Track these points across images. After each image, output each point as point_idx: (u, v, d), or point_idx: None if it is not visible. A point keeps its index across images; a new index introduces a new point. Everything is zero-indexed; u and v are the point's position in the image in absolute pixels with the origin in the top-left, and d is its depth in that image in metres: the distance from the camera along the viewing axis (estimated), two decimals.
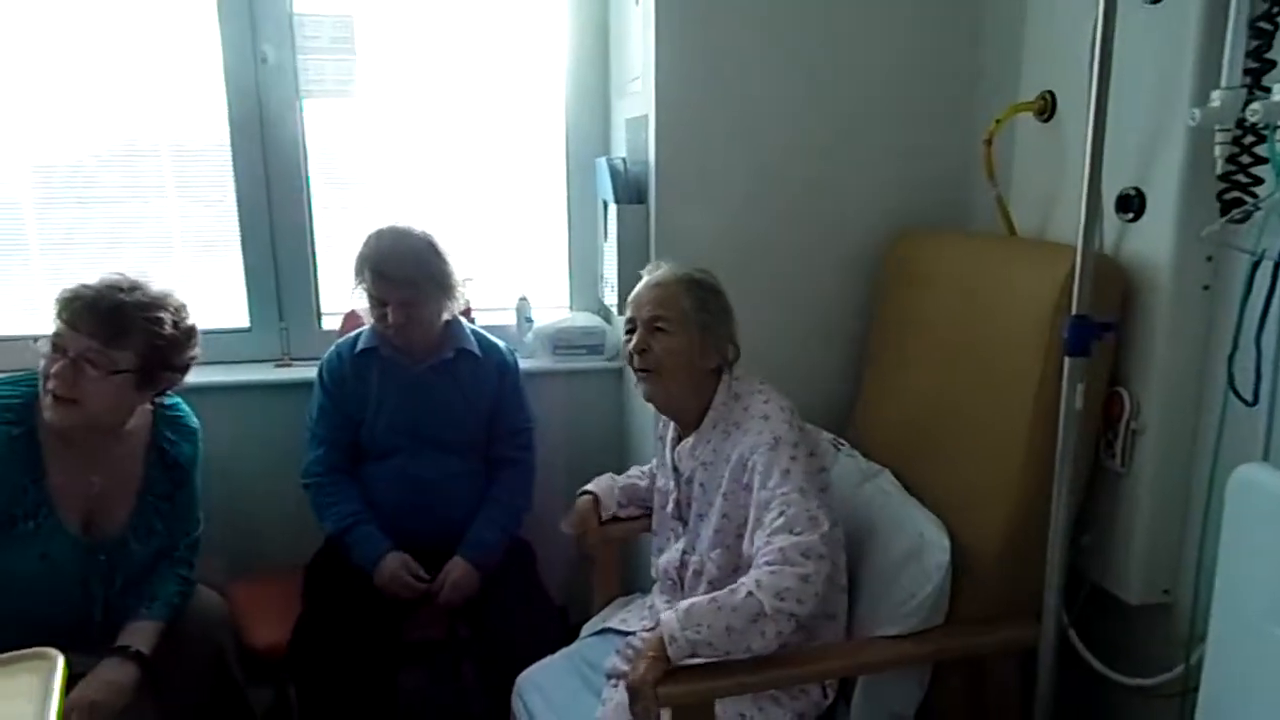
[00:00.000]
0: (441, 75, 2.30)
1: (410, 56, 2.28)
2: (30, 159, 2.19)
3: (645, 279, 1.58)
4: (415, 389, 1.95)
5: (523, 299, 2.38)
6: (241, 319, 2.32)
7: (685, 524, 1.60)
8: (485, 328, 2.14)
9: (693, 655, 1.31)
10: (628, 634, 1.64)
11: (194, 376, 2.17)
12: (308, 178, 2.27)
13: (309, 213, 2.29)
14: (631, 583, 1.95)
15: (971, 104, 1.90)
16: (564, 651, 1.70)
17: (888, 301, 1.90)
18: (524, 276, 2.44)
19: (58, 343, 1.51)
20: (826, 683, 1.50)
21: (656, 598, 1.67)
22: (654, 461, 1.76)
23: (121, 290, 1.55)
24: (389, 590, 1.84)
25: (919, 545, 1.47)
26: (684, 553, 1.59)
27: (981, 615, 1.47)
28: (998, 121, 1.70)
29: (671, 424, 1.63)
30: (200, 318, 2.29)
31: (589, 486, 1.81)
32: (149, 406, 1.66)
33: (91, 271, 1.69)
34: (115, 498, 1.60)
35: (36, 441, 1.53)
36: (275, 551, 2.10)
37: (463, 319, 2.05)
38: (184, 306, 1.64)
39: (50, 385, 1.50)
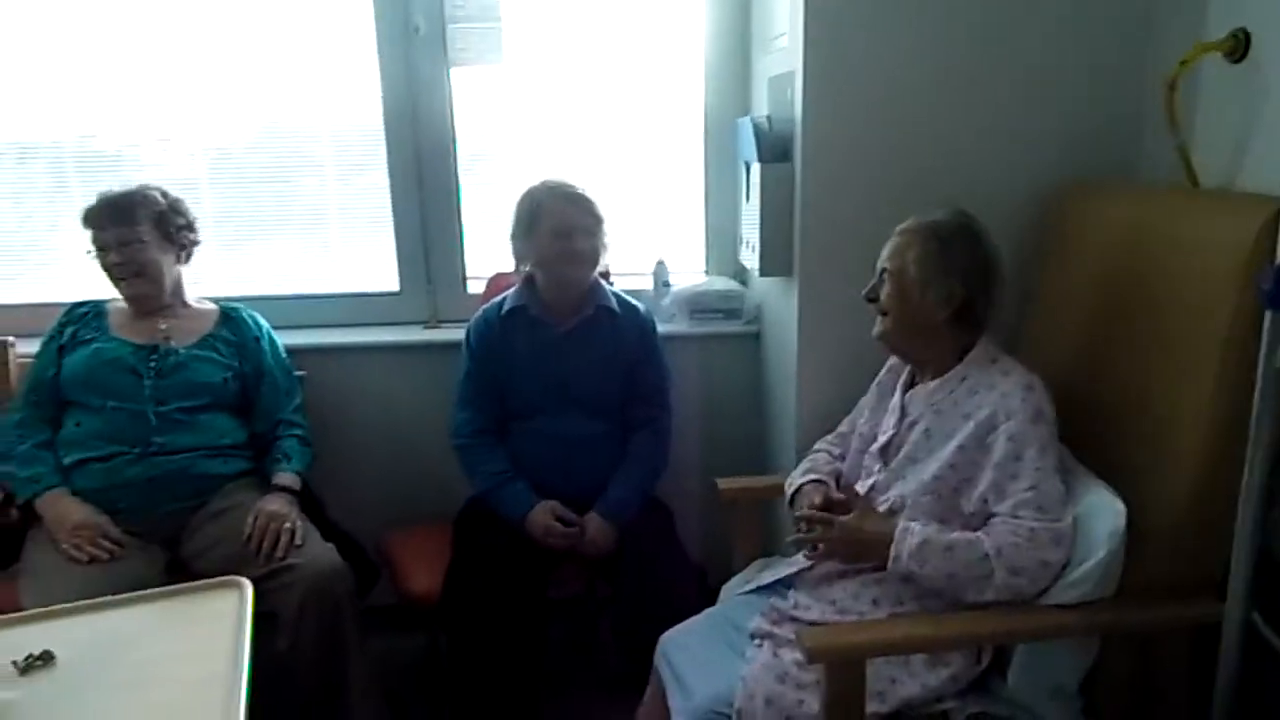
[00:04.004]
0: (580, 39, 2.32)
1: (551, 22, 2.31)
2: (202, 141, 2.35)
3: (894, 229, 1.59)
4: (559, 347, 1.99)
5: (660, 263, 2.39)
6: (392, 283, 2.42)
7: (887, 465, 1.59)
8: (624, 291, 2.16)
9: (907, 577, 1.43)
10: (771, 587, 1.65)
11: (346, 337, 2.33)
12: (455, 144, 2.34)
13: (456, 179, 2.37)
14: (771, 544, 1.94)
15: (1146, 46, 1.78)
16: (707, 612, 1.71)
17: (1050, 259, 1.80)
18: (661, 240, 2.45)
19: (100, 245, 1.94)
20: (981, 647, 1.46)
21: None
22: (850, 416, 1.78)
23: (116, 193, 1.96)
24: (545, 542, 1.90)
25: (1088, 511, 1.40)
26: (871, 488, 1.58)
27: (1153, 590, 1.39)
28: (1182, 63, 1.57)
29: (906, 369, 1.64)
30: (353, 282, 2.44)
31: (802, 480, 1.71)
32: (216, 307, 2.09)
33: (257, 242, 2.18)
34: (182, 338, 1.99)
35: (102, 311, 2.02)
36: (426, 503, 2.19)
37: (603, 281, 2.08)
38: (164, 189, 2.03)
39: (116, 270, 1.94)
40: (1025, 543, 1.37)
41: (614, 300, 2.04)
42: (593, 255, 1.97)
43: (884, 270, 1.55)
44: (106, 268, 1.95)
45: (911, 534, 1.42)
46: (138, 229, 1.93)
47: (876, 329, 1.58)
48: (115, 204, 1.93)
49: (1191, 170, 1.62)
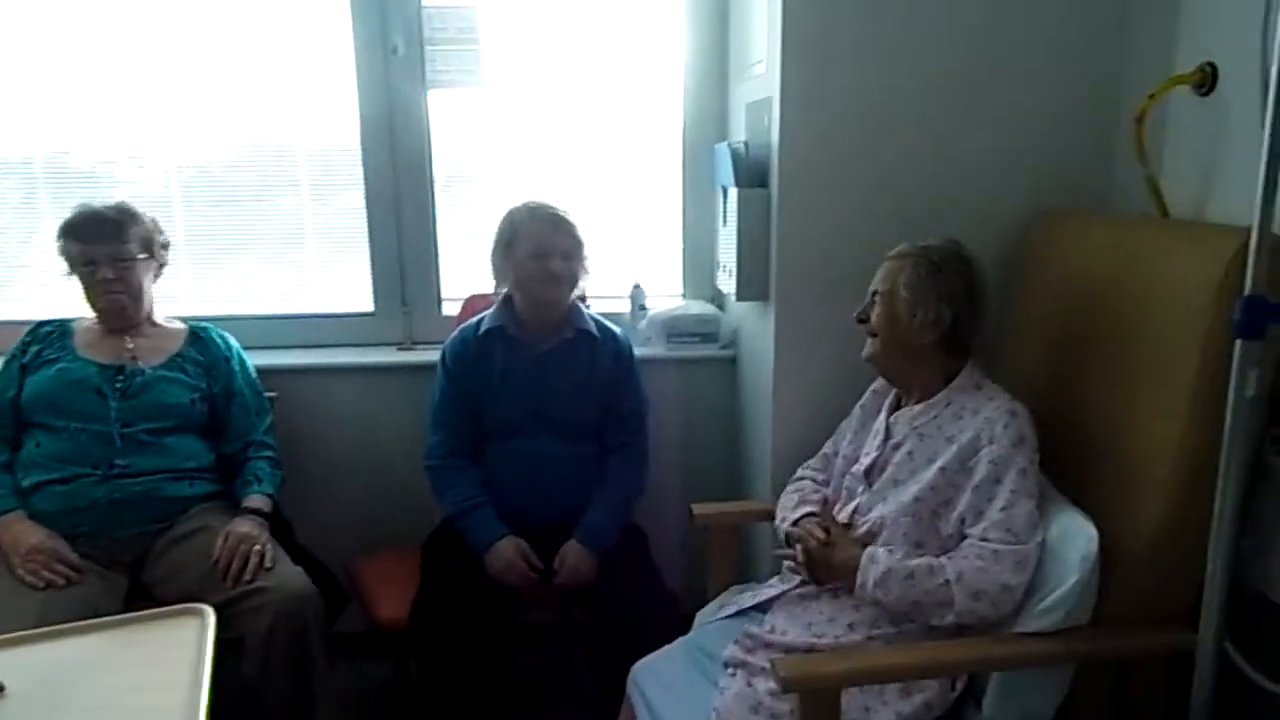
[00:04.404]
0: (558, 63, 2.33)
1: (529, 45, 2.31)
2: (176, 160, 2.32)
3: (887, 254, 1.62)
4: (535, 368, 1.97)
5: (637, 287, 2.38)
6: (366, 304, 2.40)
7: (870, 486, 1.59)
8: (600, 315, 2.15)
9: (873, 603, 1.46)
10: (745, 612, 1.64)
11: (319, 358, 2.31)
12: (432, 167, 2.33)
13: (432, 200, 2.35)
14: (746, 570, 1.93)
15: (1117, 79, 1.81)
16: (680, 641, 1.69)
17: (1023, 287, 1.82)
18: (638, 264, 2.45)
19: (87, 260, 1.90)
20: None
21: None
22: (833, 439, 1.79)
23: (103, 208, 1.95)
24: (502, 578, 1.87)
25: (1060, 535, 1.40)
26: (854, 512, 1.59)
27: (1126, 618, 1.39)
28: (1151, 97, 1.60)
29: (891, 392, 1.66)
30: (327, 302, 2.41)
31: (797, 514, 1.69)
32: (185, 326, 2.06)
33: (229, 262, 2.19)
34: (149, 358, 1.96)
35: (67, 331, 1.98)
36: (398, 528, 2.16)
37: (580, 305, 2.07)
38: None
39: (105, 285, 1.90)
40: (988, 565, 1.38)
41: (592, 324, 2.03)
42: (570, 278, 1.97)
43: (875, 293, 1.58)
44: (93, 282, 1.92)
45: (876, 562, 1.45)
46: (129, 246, 1.92)
47: (866, 350, 1.60)
48: (107, 219, 1.91)
49: (1161, 201, 1.64)
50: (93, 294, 1.94)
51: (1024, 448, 1.45)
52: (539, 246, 1.92)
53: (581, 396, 2.00)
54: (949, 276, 1.53)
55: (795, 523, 1.67)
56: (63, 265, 1.93)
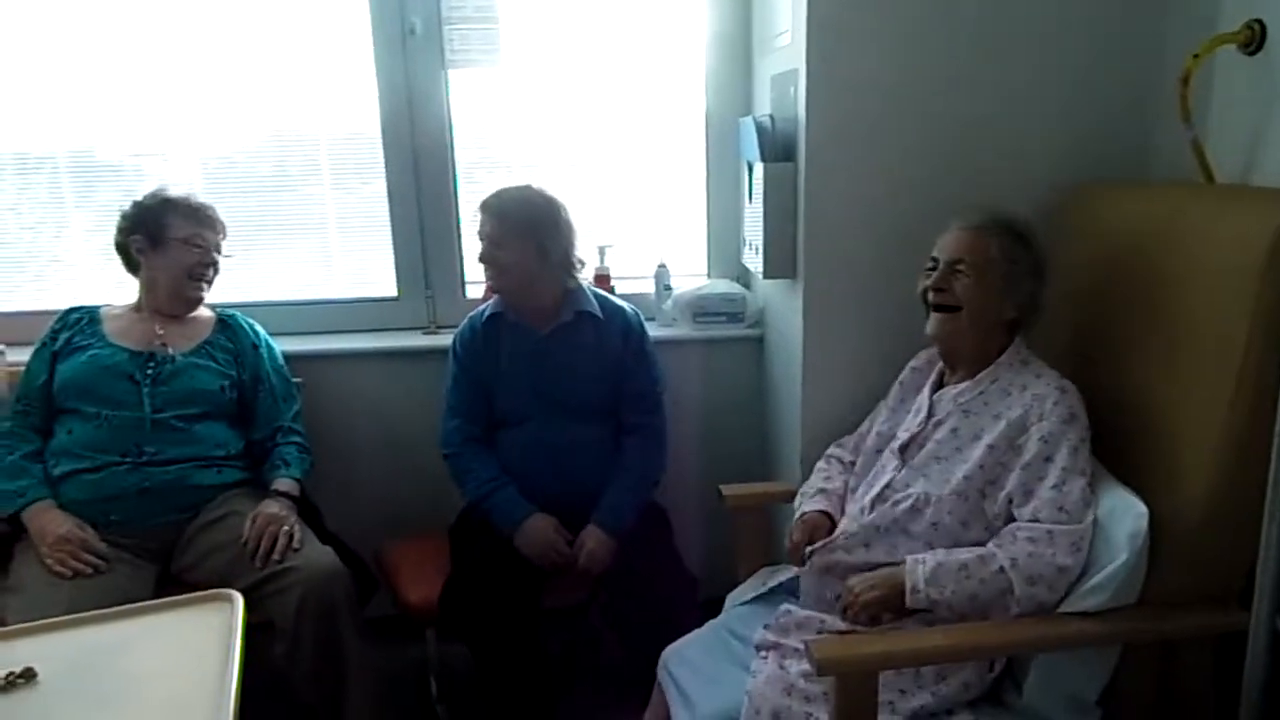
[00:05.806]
0: (578, 40, 2.29)
1: (549, 22, 2.28)
2: (200, 152, 2.32)
3: (957, 222, 1.54)
4: (541, 352, 1.95)
5: (661, 266, 2.35)
6: (390, 288, 2.38)
7: (906, 463, 1.55)
8: (624, 296, 2.12)
9: (930, 609, 1.36)
10: (776, 594, 1.63)
11: (344, 343, 2.30)
12: (453, 148, 2.31)
13: (454, 182, 2.33)
14: (776, 552, 1.90)
15: (1159, 39, 1.74)
16: (710, 624, 1.67)
17: (1061, 259, 1.75)
18: (662, 244, 2.41)
19: (199, 243, 1.97)
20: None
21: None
22: (870, 416, 1.74)
23: (201, 201, 2.03)
24: (543, 559, 1.85)
25: (1108, 513, 1.36)
26: (886, 485, 1.54)
27: (1173, 598, 1.35)
28: (1196, 56, 1.53)
29: (934, 369, 1.62)
30: (351, 288, 2.40)
31: (809, 508, 1.65)
32: (212, 314, 2.07)
33: (254, 249, 2.25)
34: (179, 344, 1.97)
35: (96, 318, 1.98)
36: (425, 511, 2.15)
37: (586, 285, 2.02)
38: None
39: (207, 271, 1.98)
40: (1041, 547, 1.34)
41: (596, 304, 1.98)
42: (508, 265, 1.89)
43: (955, 263, 1.50)
44: (193, 264, 1.96)
45: (922, 562, 1.39)
46: (223, 243, 2.02)
47: (934, 326, 1.53)
48: (216, 214, 2.01)
49: (1207, 165, 1.58)
50: (177, 274, 1.95)
51: (1075, 425, 1.42)
52: (478, 229, 1.91)
53: (590, 378, 1.97)
54: (1034, 250, 1.50)
55: (803, 516, 1.64)
56: (140, 241, 1.94)
